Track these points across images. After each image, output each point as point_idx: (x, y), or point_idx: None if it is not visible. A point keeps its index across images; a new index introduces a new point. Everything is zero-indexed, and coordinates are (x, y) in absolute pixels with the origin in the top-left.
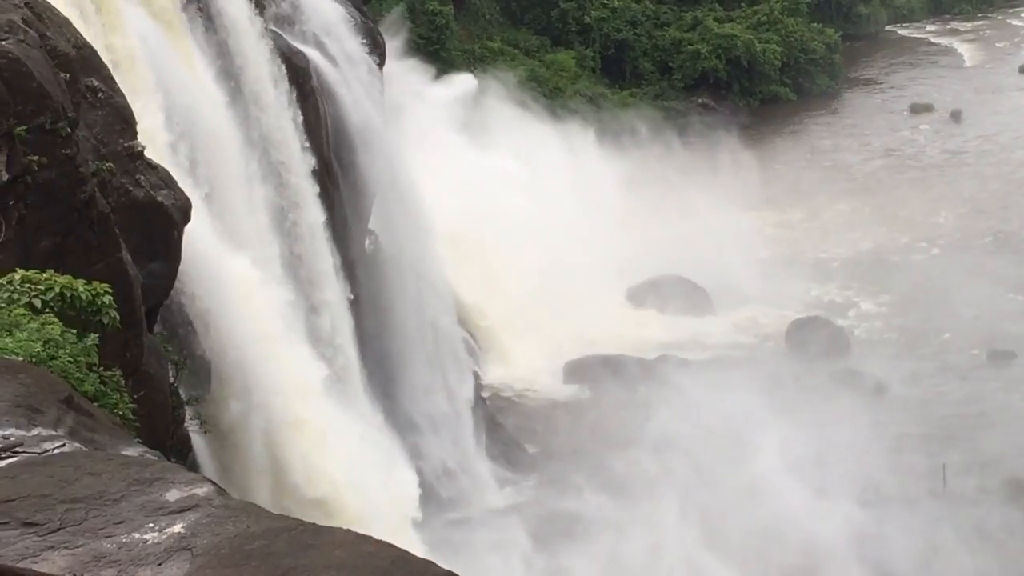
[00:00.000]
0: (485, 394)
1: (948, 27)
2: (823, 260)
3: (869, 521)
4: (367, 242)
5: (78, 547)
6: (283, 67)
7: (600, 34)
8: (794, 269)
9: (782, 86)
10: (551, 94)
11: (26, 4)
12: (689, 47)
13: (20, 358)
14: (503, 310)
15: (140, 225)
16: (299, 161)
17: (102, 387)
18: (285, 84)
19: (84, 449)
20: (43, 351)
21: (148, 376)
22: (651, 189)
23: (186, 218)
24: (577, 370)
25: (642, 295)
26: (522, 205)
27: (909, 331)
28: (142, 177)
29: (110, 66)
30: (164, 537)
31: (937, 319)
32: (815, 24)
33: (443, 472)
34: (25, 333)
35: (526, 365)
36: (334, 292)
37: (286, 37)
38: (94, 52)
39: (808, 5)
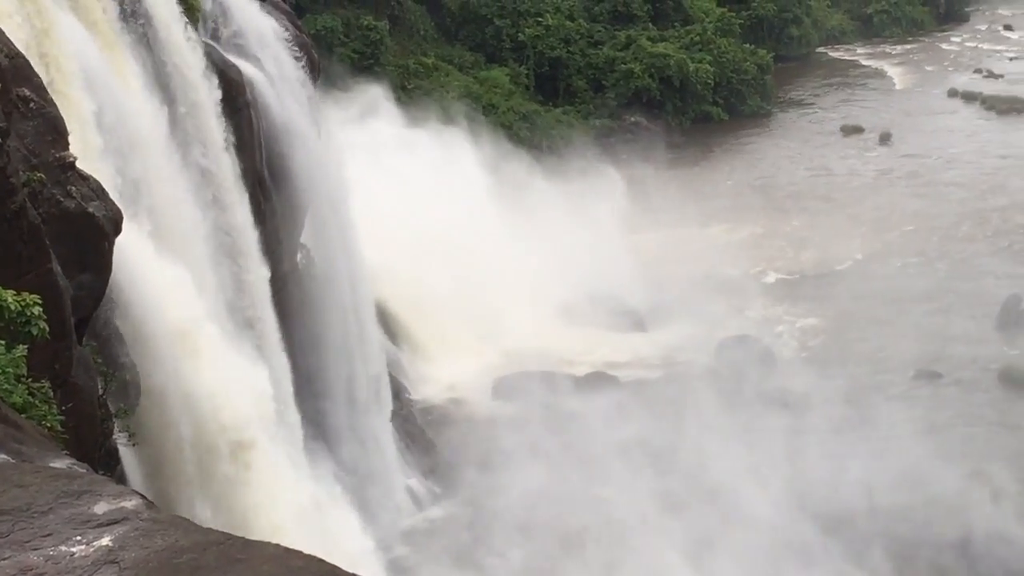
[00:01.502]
0: (414, 409)
1: (879, 50)
2: (753, 278)
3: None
4: (299, 256)
5: (4, 560)
6: (216, 80)
7: (534, 52)
8: (724, 287)
9: (714, 106)
10: (485, 111)
11: None
12: (622, 66)
13: None
14: (434, 326)
15: (71, 236)
16: (231, 174)
17: (30, 399)
18: (218, 97)
19: (11, 461)
20: None
21: (77, 388)
22: (582, 207)
23: (117, 229)
24: (507, 386)
25: (573, 312)
26: (454, 222)
27: (837, 350)
28: (73, 188)
29: (43, 76)
30: (92, 550)
31: (865, 338)
32: (747, 45)
33: (371, 488)
34: None
35: (456, 381)
36: (265, 306)
37: (220, 50)
38: (26, 62)
39: (741, 26)
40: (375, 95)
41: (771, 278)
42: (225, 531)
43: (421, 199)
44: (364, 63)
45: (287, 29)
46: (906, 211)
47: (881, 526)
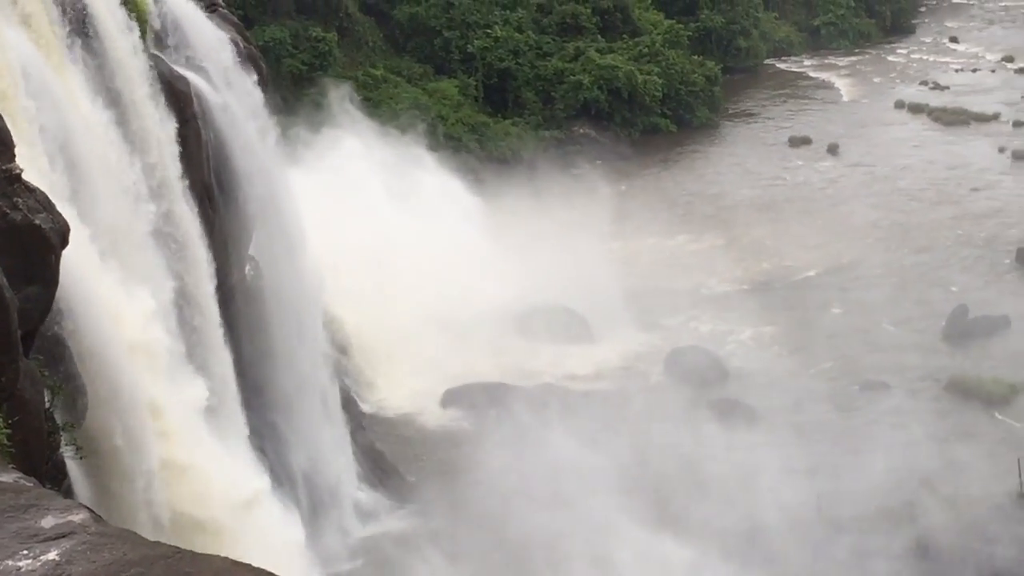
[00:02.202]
0: (365, 421)
1: (826, 62)
2: (703, 289)
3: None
4: (247, 268)
5: None
6: (164, 92)
7: (483, 63)
8: (674, 298)
9: (663, 117)
10: (433, 122)
11: None
12: (571, 77)
13: None
14: (384, 338)
15: (17, 248)
16: (179, 186)
17: None
18: (165, 109)
19: None
20: None
21: (23, 401)
22: (532, 219)
23: (64, 242)
24: (457, 398)
25: (523, 324)
26: (405, 236)
27: (785, 360)
28: (20, 200)
29: None
30: (39, 564)
31: (814, 349)
32: (696, 56)
33: (320, 500)
34: None
35: (406, 393)
36: (213, 318)
37: (167, 61)
38: None
39: (689, 38)
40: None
41: (721, 289)
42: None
43: (372, 210)
44: (312, 74)
45: (235, 40)
46: (855, 222)
47: (830, 536)
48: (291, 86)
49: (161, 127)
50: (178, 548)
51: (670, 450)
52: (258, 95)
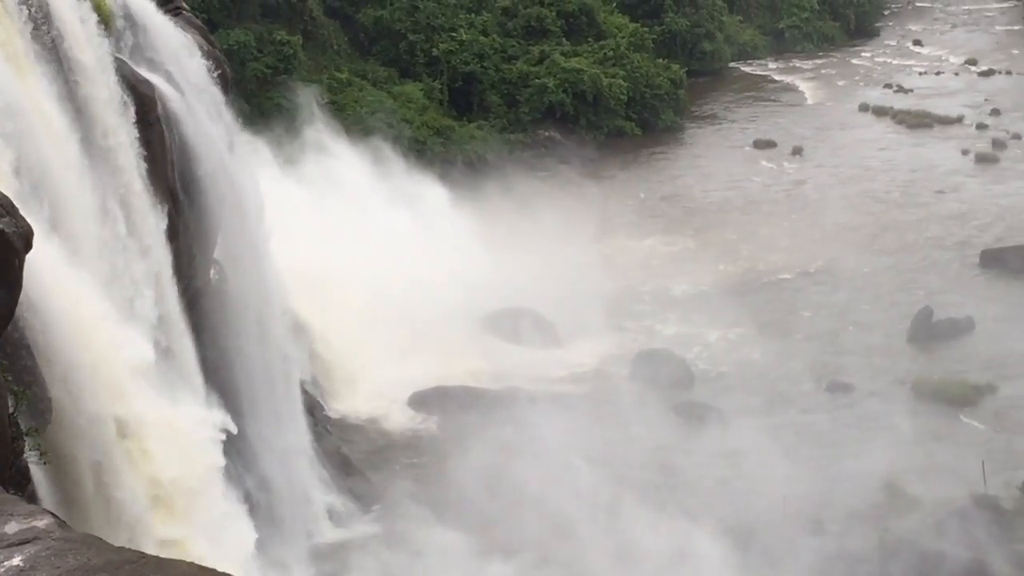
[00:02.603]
0: (331, 425)
1: (790, 64)
2: (669, 292)
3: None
4: (212, 272)
5: None
6: (128, 95)
7: (448, 66)
8: (640, 301)
9: (628, 120)
10: (398, 125)
11: None
12: (536, 81)
13: None
14: (350, 342)
15: None
16: (143, 190)
17: None
18: (130, 112)
19: None
20: None
21: None
22: (499, 222)
23: (28, 246)
24: (424, 401)
25: (490, 327)
26: (371, 240)
27: (752, 363)
28: None
29: None
30: (3, 570)
31: (779, 351)
32: (660, 60)
33: (287, 505)
34: None
35: (373, 397)
36: (178, 321)
37: (131, 65)
38: None
39: (654, 41)
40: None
41: (687, 291)
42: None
43: (340, 213)
44: (277, 78)
45: (199, 44)
46: (820, 224)
47: (796, 538)
48: (256, 90)
49: (125, 131)
50: (142, 553)
51: (636, 453)
52: (222, 98)
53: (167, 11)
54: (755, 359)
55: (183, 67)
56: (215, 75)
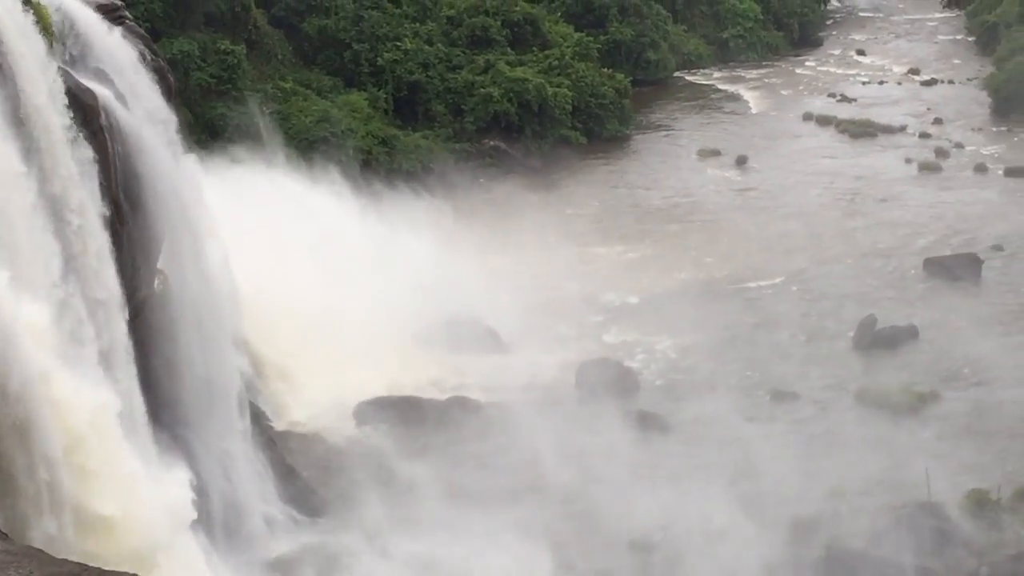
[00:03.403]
0: (276, 436)
1: (734, 74)
2: (614, 301)
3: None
4: (156, 282)
5: None
6: (71, 104)
7: (392, 76)
8: (586, 310)
9: (573, 130)
10: (343, 135)
11: None
12: (481, 90)
13: None
14: (295, 353)
15: None
16: (87, 200)
17: None
18: (73, 121)
19: None
20: None
21: None
22: (444, 231)
23: None
24: (368, 412)
25: (434, 336)
26: (315, 250)
27: (697, 371)
28: None
29: None
30: None
31: (724, 361)
32: (605, 69)
33: (232, 515)
34: None
35: (318, 408)
36: (121, 332)
37: (75, 75)
38: None
39: (598, 51)
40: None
41: (632, 300)
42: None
43: (280, 225)
44: (221, 87)
45: (142, 53)
46: (764, 233)
47: (740, 546)
48: (200, 99)
49: (68, 140)
50: (86, 565)
51: (579, 461)
52: (166, 107)
53: (110, 21)
54: (700, 367)
55: (126, 77)
56: (158, 84)
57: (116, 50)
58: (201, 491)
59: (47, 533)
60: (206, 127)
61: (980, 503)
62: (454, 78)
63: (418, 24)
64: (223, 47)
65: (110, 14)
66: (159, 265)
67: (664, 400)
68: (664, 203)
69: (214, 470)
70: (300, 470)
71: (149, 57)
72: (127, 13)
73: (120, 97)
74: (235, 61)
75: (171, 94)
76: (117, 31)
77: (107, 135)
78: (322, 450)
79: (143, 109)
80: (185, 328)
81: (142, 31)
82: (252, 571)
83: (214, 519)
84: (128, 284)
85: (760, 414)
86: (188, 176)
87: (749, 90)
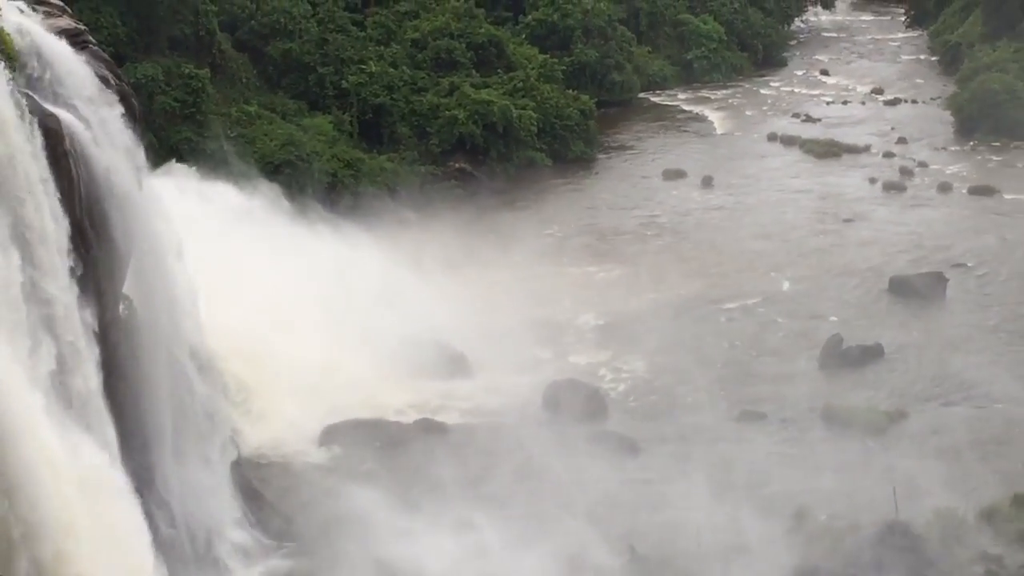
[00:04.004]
0: (242, 460)
1: (699, 95)
2: (583, 322)
3: None
4: (121, 307)
5: None
6: (34, 129)
7: (357, 99)
8: (551, 330)
9: (538, 151)
10: (308, 158)
11: None
12: (446, 112)
13: None
14: (263, 376)
15: None
16: (50, 225)
17: None
18: (37, 147)
19: None
20: None
21: None
22: (409, 253)
23: None
24: (335, 435)
25: (400, 359)
26: (281, 273)
27: (665, 392)
28: None
29: None
30: None
31: (691, 381)
32: (570, 91)
33: (199, 541)
34: None
35: (284, 431)
36: (87, 358)
37: (38, 99)
38: None
39: (563, 72)
40: None
41: (599, 321)
42: None
43: (244, 248)
44: (186, 111)
45: (106, 77)
46: (729, 254)
47: (709, 567)
48: (164, 123)
49: (32, 166)
50: None
51: (546, 483)
52: (130, 132)
53: (74, 45)
54: (669, 388)
55: (91, 101)
56: (123, 109)
57: (80, 74)
58: (170, 518)
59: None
60: (171, 151)
61: (947, 521)
62: (419, 101)
63: (383, 47)
64: (187, 71)
65: (74, 38)
66: (124, 290)
67: (632, 421)
68: (630, 224)
69: (181, 496)
70: (266, 494)
71: (113, 81)
72: (91, 37)
73: (84, 121)
74: (199, 85)
75: (135, 118)
76: (81, 55)
77: (71, 160)
78: (288, 474)
79: (107, 134)
80: (151, 353)
81: (106, 55)
82: None
83: (182, 545)
84: (93, 309)
85: (728, 434)
86: (153, 200)
87: (714, 111)
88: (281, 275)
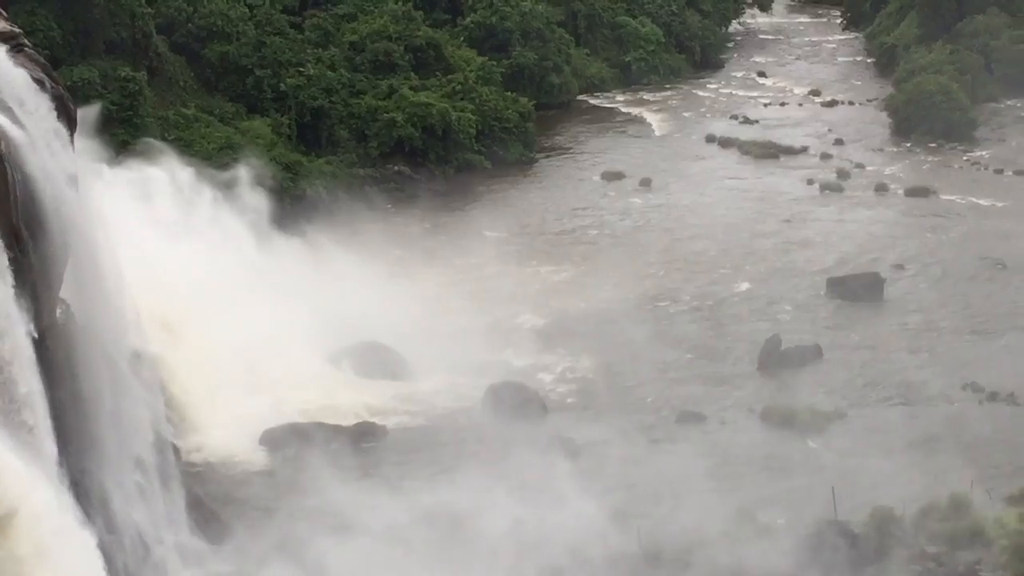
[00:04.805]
0: (182, 464)
1: (638, 97)
2: (521, 324)
3: None
4: (58, 311)
5: None
6: None
7: (296, 101)
8: (491, 332)
9: (477, 154)
10: (246, 161)
11: None
12: (385, 115)
13: None
14: (202, 380)
15: None
16: None
17: None
18: None
19: None
20: None
21: None
22: (349, 257)
23: None
24: (275, 439)
25: (340, 362)
26: (217, 279)
27: (604, 394)
28: None
29: None
30: None
31: (631, 382)
32: (509, 93)
33: (138, 545)
34: None
35: (225, 434)
36: (23, 364)
37: None
38: None
39: (502, 75)
40: None
41: (538, 323)
42: None
43: (186, 250)
44: (123, 114)
45: (42, 80)
46: (669, 255)
47: (650, 569)
48: (100, 126)
49: None
50: None
51: (483, 486)
52: (66, 134)
53: (8, 48)
54: (608, 389)
55: (26, 104)
56: (58, 112)
57: (14, 77)
58: (109, 523)
59: None
60: (107, 154)
61: (885, 519)
62: (357, 103)
63: (321, 50)
64: (124, 74)
65: (8, 41)
66: (61, 294)
67: (571, 422)
68: (570, 226)
69: (120, 501)
70: (206, 498)
71: (49, 84)
72: (26, 40)
73: (19, 124)
74: (136, 88)
75: (71, 122)
76: (16, 58)
77: (6, 163)
78: (228, 478)
79: (42, 136)
80: (89, 357)
81: (42, 58)
82: None
83: (123, 551)
84: (29, 314)
85: (666, 435)
86: (89, 203)
87: (652, 113)
88: (219, 278)
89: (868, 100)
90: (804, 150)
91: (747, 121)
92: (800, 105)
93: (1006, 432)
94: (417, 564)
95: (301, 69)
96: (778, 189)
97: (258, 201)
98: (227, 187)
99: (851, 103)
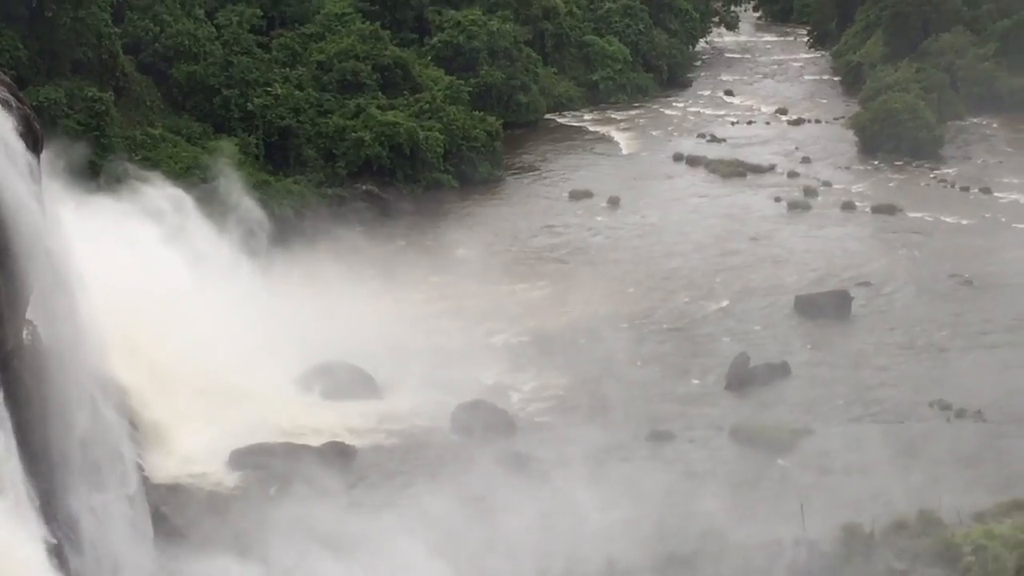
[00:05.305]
0: (150, 485)
1: (605, 116)
2: (490, 344)
3: None
4: (25, 333)
5: None
6: None
7: (263, 121)
8: (460, 352)
9: (445, 173)
10: (213, 182)
11: None
12: (352, 134)
13: None
14: (170, 401)
15: None
16: None
17: None
18: None
19: None
20: None
21: None
22: (317, 277)
23: None
24: (244, 459)
25: (309, 382)
26: (184, 299)
27: (573, 412)
28: None
29: None
30: None
31: (601, 400)
32: (477, 112)
33: (105, 568)
34: None
35: (193, 455)
36: None
37: None
38: None
39: (469, 94)
40: None
41: (506, 341)
42: None
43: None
44: (89, 135)
45: (7, 101)
46: (637, 273)
47: None
48: (67, 147)
49: None
50: None
51: (453, 504)
52: (32, 156)
53: None
54: (577, 408)
55: None
56: (24, 133)
57: None
58: (76, 545)
59: None
60: (74, 175)
61: (854, 536)
62: (325, 123)
63: (288, 69)
64: (91, 94)
65: None
66: (28, 315)
67: (540, 441)
68: (538, 245)
69: (87, 522)
70: (174, 519)
71: (15, 104)
72: None
73: None
74: (103, 108)
75: (38, 142)
76: None
77: None
78: (196, 499)
79: (8, 157)
80: (56, 379)
81: (7, 78)
82: None
83: (89, 573)
84: None
85: (636, 454)
86: (56, 225)
87: (620, 131)
88: (187, 299)
89: (835, 118)
90: (771, 168)
91: (715, 139)
92: (767, 123)
93: (974, 449)
94: None
95: (268, 89)
96: (746, 207)
97: (220, 221)
98: (194, 207)
99: (818, 121)
